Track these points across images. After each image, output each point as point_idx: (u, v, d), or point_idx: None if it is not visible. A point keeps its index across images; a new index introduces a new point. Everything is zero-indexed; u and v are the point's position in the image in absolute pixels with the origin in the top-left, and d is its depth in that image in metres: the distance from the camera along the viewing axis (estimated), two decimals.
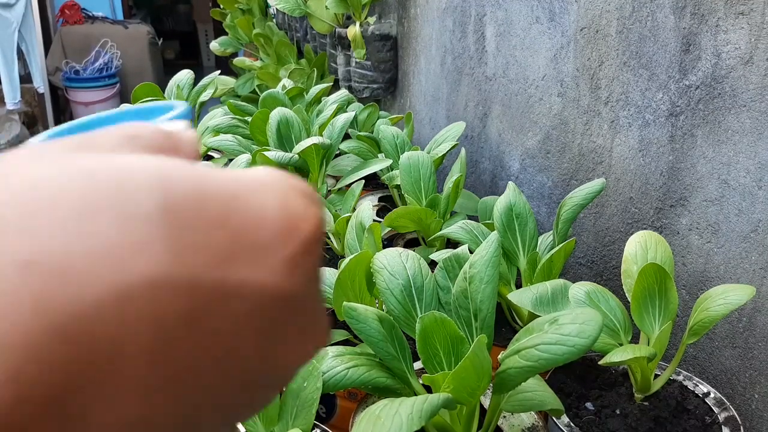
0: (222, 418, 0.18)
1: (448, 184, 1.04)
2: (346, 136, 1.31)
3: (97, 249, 0.14)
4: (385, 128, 1.22)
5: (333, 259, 1.08)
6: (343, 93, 1.45)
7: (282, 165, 1.10)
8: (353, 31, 1.64)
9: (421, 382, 0.62)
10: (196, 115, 1.55)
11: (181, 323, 0.15)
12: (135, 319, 0.15)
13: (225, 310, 0.16)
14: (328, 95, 1.49)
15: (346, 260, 0.70)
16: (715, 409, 0.69)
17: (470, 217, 1.00)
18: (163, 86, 1.48)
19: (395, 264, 0.67)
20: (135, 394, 0.15)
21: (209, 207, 0.16)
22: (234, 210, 0.17)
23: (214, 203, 0.16)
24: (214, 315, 0.16)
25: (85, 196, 0.15)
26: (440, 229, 0.95)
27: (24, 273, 0.13)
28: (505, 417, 0.72)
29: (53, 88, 3.67)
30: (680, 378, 0.74)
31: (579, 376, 0.75)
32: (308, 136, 1.19)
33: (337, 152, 1.25)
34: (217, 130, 1.28)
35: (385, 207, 1.29)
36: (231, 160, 1.16)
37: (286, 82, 1.54)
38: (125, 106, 0.32)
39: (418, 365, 0.68)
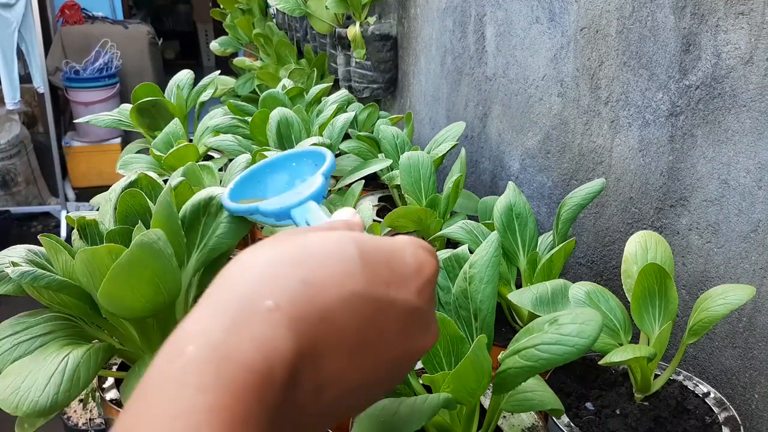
0: (382, 380, 0.31)
1: (448, 184, 1.04)
2: (346, 136, 1.31)
3: (332, 275, 0.29)
4: (385, 128, 1.22)
5: None
6: (343, 93, 1.45)
7: None
8: (353, 31, 1.63)
9: (420, 382, 0.62)
10: (196, 115, 1.55)
11: (367, 316, 0.29)
12: (348, 312, 0.29)
13: (386, 313, 0.30)
14: (328, 95, 1.49)
15: None
16: (715, 409, 0.69)
17: (470, 217, 1.00)
18: (163, 86, 1.48)
19: None
20: (345, 353, 0.29)
21: (380, 256, 0.31)
22: (391, 258, 0.32)
23: (381, 254, 0.31)
24: (381, 314, 0.30)
25: (324, 249, 0.30)
26: (440, 229, 0.95)
27: (302, 285, 0.28)
28: (505, 417, 0.72)
29: (53, 88, 3.67)
30: (680, 378, 0.74)
31: (579, 376, 0.75)
32: (308, 136, 1.19)
33: (337, 152, 1.25)
34: (217, 130, 1.28)
35: (385, 207, 1.29)
36: (231, 159, 1.15)
37: (286, 82, 1.54)
38: (281, 153, 0.43)
39: (417, 365, 0.68)
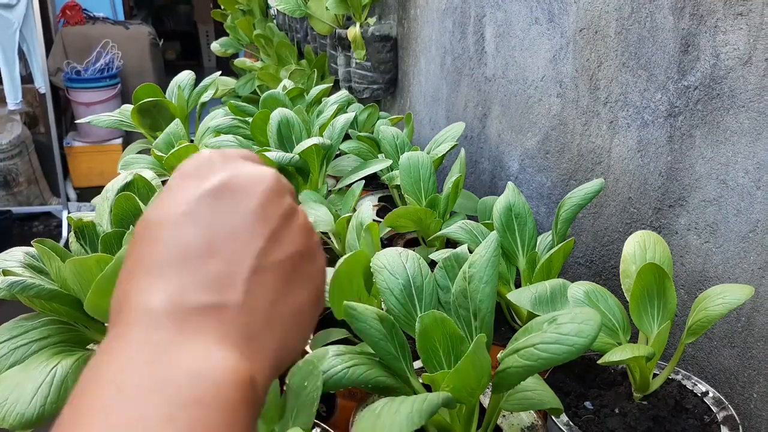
0: (298, 324, 0.32)
1: (448, 184, 1.04)
2: (347, 137, 1.31)
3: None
4: (385, 129, 1.22)
5: (334, 259, 1.09)
6: (343, 94, 1.46)
7: (282, 165, 1.10)
8: (353, 32, 1.64)
9: (420, 381, 0.63)
10: (197, 115, 1.55)
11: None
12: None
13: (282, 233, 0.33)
14: (328, 96, 1.50)
15: (341, 260, 0.70)
16: (714, 409, 0.69)
17: (470, 217, 1.00)
18: (164, 87, 1.49)
19: (395, 264, 0.67)
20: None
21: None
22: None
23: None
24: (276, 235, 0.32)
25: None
26: (440, 229, 0.95)
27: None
28: (504, 416, 0.73)
29: (54, 88, 3.67)
30: (679, 377, 0.74)
31: (578, 376, 0.75)
32: (309, 137, 1.19)
33: (338, 152, 1.25)
34: (218, 131, 1.28)
35: (385, 207, 1.30)
36: None
37: (287, 83, 1.54)
38: None
39: (417, 364, 0.68)
